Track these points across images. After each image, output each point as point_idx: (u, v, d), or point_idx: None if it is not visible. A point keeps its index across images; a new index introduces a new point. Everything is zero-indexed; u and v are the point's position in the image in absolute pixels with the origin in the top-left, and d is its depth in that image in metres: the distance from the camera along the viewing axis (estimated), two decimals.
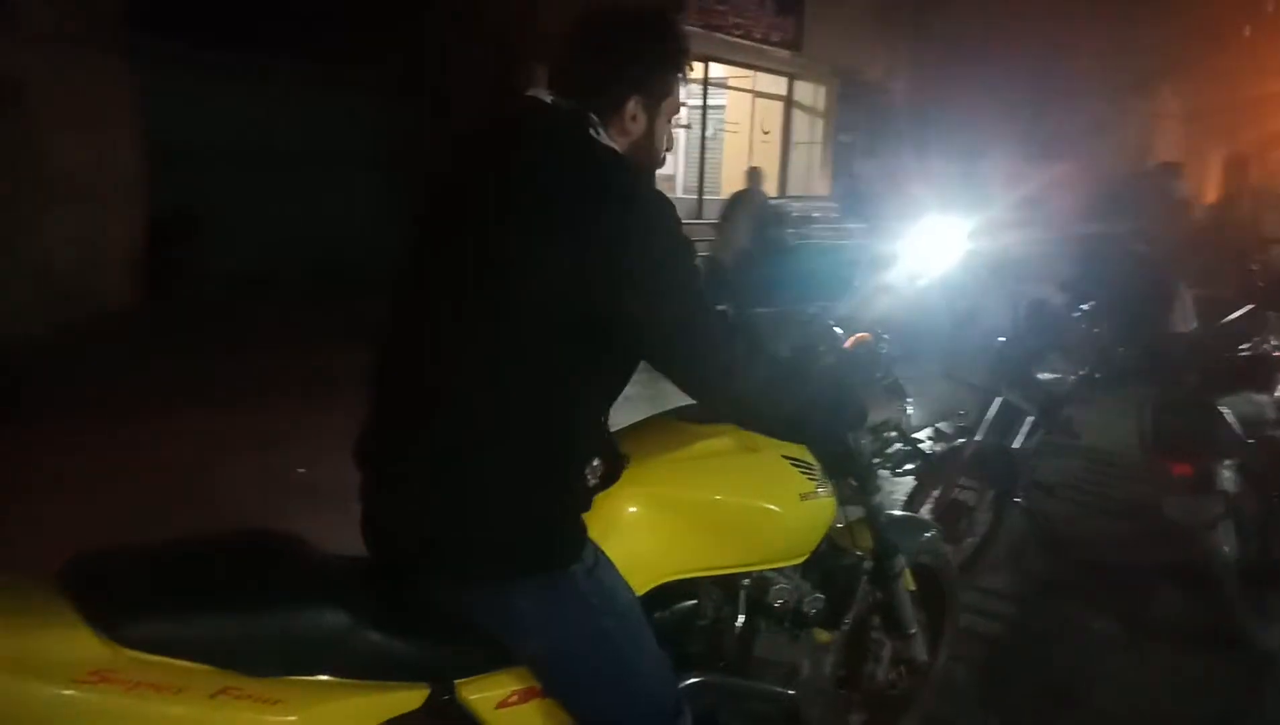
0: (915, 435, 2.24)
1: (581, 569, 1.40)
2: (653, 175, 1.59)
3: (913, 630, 2.28)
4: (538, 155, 1.37)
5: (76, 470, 3.99)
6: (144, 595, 1.20)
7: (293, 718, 1.23)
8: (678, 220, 1.40)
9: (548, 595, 1.37)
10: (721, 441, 1.76)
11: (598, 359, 1.39)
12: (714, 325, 1.39)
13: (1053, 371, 3.94)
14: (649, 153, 1.53)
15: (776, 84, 15.13)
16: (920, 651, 2.35)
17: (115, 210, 7.22)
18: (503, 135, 1.47)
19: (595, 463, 1.55)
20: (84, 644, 1.12)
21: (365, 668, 1.31)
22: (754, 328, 1.46)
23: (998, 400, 3.72)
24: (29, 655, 1.09)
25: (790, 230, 10.74)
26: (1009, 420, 3.77)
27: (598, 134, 1.43)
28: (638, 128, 1.48)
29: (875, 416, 1.81)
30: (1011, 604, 3.47)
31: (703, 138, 13.31)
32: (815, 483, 1.82)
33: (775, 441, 1.81)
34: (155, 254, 7.53)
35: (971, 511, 3.67)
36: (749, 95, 15.10)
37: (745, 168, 10.12)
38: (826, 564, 2.00)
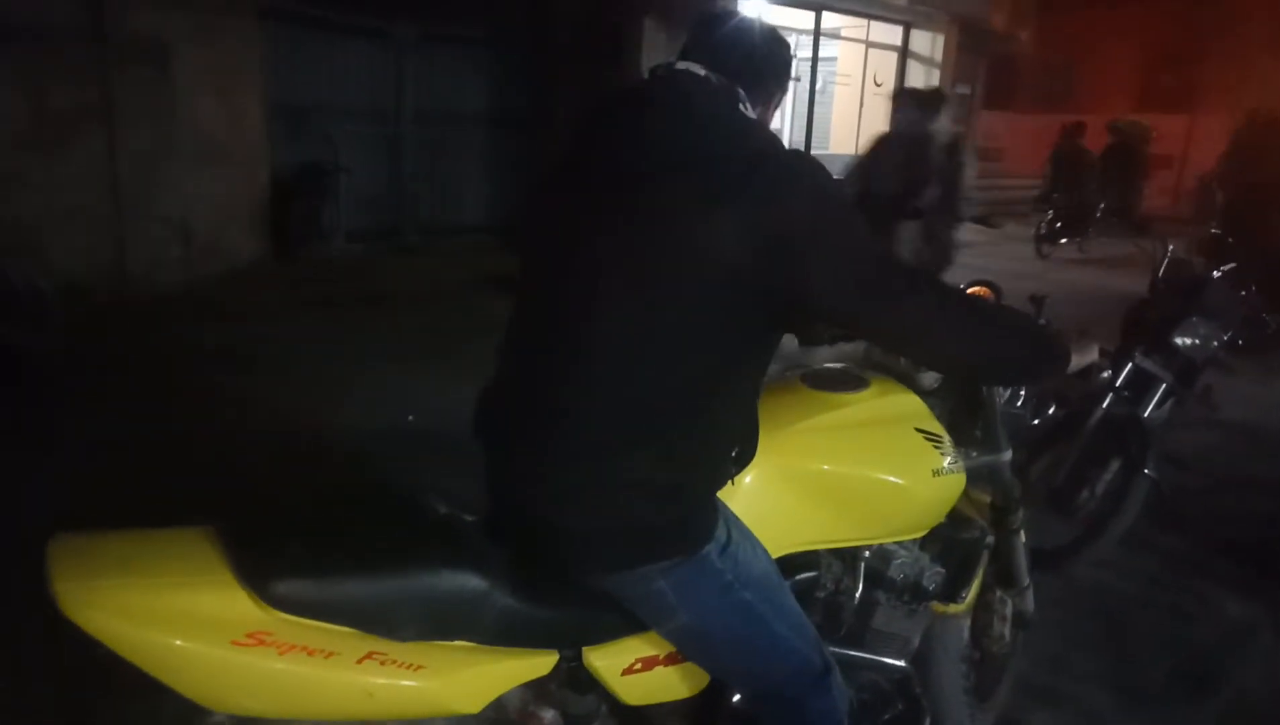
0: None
1: (715, 547, 1.40)
2: None
3: (1026, 583, 2.22)
4: (697, 129, 1.34)
5: (220, 414, 4.26)
6: (297, 559, 1.21)
7: (436, 683, 1.26)
8: (835, 181, 1.43)
9: (683, 576, 1.37)
10: (852, 412, 1.71)
11: (755, 340, 1.37)
12: (899, 279, 1.34)
13: (1192, 336, 3.72)
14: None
15: (891, 33, 14.54)
16: (1031, 604, 2.27)
17: (246, 170, 7.54)
18: (658, 106, 1.40)
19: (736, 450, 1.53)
20: (241, 606, 1.14)
21: (498, 634, 1.33)
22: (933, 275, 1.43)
23: (1129, 365, 3.54)
24: (191, 614, 1.12)
25: None
26: (1140, 387, 3.59)
27: (746, 108, 1.43)
28: (768, 115, 1.53)
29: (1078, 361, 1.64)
30: (1139, 581, 3.32)
31: (812, 91, 12.80)
32: (946, 457, 1.76)
33: (908, 413, 1.77)
34: (281, 213, 7.82)
35: (1094, 483, 3.52)
36: (861, 45, 14.56)
37: (855, 121, 9.75)
38: (947, 536, 1.94)
